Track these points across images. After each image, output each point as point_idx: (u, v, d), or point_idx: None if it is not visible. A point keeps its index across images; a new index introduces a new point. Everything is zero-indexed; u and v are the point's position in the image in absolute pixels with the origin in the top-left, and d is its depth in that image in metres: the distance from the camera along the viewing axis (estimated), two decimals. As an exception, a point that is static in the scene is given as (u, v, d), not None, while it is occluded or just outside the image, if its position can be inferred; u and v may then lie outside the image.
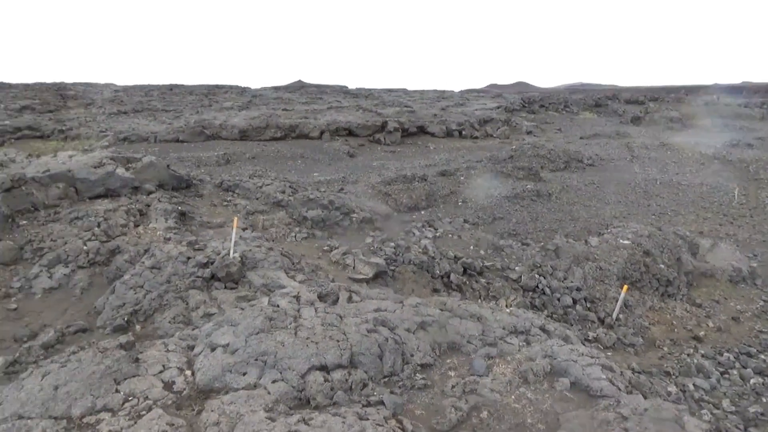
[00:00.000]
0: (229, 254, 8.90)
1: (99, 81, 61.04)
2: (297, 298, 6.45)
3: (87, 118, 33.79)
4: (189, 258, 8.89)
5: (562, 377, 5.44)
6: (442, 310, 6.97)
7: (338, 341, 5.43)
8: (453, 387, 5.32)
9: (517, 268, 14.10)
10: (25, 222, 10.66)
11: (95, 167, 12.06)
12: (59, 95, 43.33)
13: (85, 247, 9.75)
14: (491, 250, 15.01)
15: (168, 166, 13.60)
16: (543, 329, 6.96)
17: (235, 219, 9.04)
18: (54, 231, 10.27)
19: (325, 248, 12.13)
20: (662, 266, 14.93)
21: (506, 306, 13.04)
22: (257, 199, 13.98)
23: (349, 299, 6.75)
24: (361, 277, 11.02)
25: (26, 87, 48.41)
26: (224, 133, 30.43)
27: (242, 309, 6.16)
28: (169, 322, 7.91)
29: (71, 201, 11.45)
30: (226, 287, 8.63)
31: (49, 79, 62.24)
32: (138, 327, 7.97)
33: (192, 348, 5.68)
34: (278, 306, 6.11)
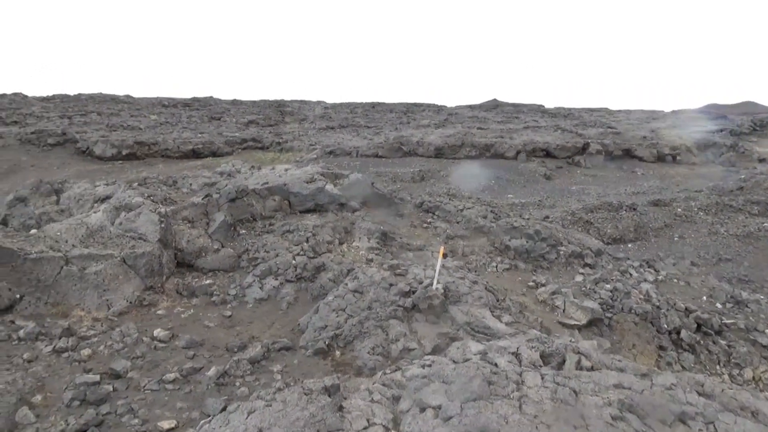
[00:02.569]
0: (432, 285, 8.26)
1: (312, 98, 67.41)
2: (517, 356, 5.45)
3: (300, 133, 37.03)
4: (391, 285, 8.45)
5: None
6: (699, 393, 5.39)
7: (575, 427, 4.31)
8: None
9: (767, 330, 11.32)
10: (244, 231, 11.36)
11: (307, 182, 12.51)
12: (279, 111, 48.53)
13: (293, 261, 9.96)
14: (731, 304, 12.29)
15: (372, 183, 13.66)
16: None
17: (442, 248, 8.39)
18: (268, 242, 10.72)
19: (530, 284, 10.93)
20: None
21: (754, 378, 10.48)
22: (457, 222, 13.30)
23: (578, 364, 5.55)
24: (573, 322, 9.61)
25: (253, 104, 55.22)
26: (420, 150, 30.83)
27: (455, 363, 5.35)
28: (368, 352, 7.51)
29: (284, 213, 11.98)
30: (426, 320, 8.01)
31: (271, 97, 70.57)
32: (338, 353, 7.71)
33: (397, 400, 5.03)
34: (497, 365, 5.17)
